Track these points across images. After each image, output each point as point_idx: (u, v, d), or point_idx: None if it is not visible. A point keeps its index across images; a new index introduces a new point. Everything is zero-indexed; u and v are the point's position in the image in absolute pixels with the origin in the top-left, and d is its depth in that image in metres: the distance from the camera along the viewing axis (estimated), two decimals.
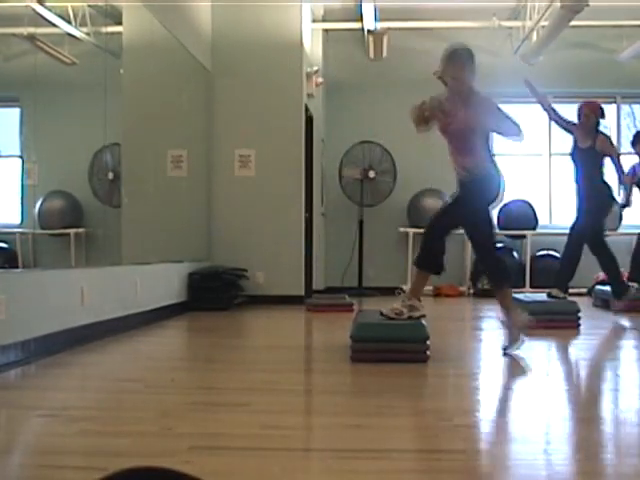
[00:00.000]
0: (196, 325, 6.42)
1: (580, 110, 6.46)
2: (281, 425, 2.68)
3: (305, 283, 8.23)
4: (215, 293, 7.23)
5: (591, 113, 6.37)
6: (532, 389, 3.52)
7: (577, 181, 6.54)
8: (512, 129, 4.25)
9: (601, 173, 6.43)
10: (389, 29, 9.35)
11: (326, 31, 9.84)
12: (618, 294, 6.65)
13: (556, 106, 10.43)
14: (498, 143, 10.46)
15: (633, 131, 10.57)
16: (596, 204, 6.39)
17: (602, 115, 6.45)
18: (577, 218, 6.53)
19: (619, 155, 6.59)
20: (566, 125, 6.59)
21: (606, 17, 9.10)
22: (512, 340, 4.31)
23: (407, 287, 4.38)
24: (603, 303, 7.56)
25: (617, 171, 6.46)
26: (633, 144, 7.51)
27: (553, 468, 2.23)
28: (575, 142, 6.51)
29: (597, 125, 6.41)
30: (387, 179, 9.93)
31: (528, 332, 4.34)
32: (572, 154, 6.54)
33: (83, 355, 4.36)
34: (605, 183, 6.46)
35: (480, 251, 4.51)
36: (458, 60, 4.29)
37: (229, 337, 5.73)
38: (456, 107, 4.23)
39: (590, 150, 6.37)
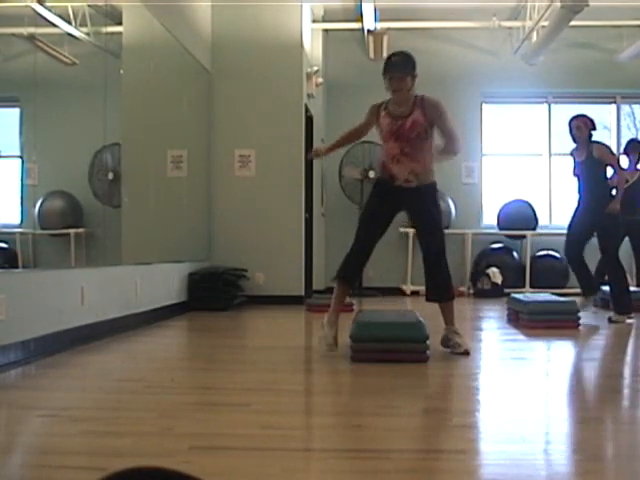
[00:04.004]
0: (196, 325, 6.42)
1: (571, 124, 6.41)
2: (281, 425, 2.68)
3: (305, 283, 8.23)
4: (215, 293, 7.23)
5: (583, 125, 6.32)
6: (532, 389, 3.51)
7: (579, 193, 6.47)
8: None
9: (604, 185, 6.30)
10: (389, 29, 9.35)
11: (326, 31, 9.84)
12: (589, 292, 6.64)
13: (556, 106, 10.50)
14: (495, 143, 10.52)
15: (634, 131, 10.61)
16: (600, 217, 6.31)
17: (594, 127, 6.39)
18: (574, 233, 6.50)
19: (619, 161, 6.50)
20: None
21: (606, 17, 9.11)
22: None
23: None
24: (603, 303, 7.55)
25: (617, 179, 6.38)
26: (626, 151, 7.47)
27: (553, 468, 2.23)
28: (574, 158, 6.48)
29: (590, 137, 6.36)
30: None
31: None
32: (573, 170, 6.49)
33: (83, 355, 4.36)
34: (610, 195, 6.35)
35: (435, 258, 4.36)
36: None
37: (229, 337, 5.73)
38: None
39: (587, 161, 6.30)
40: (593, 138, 6.37)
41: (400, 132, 4.23)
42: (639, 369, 4.30)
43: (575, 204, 6.55)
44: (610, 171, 6.39)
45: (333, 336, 4.33)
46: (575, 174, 6.46)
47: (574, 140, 6.37)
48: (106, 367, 4.10)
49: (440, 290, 4.37)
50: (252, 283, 7.97)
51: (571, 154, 6.55)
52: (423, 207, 4.34)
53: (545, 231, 10.07)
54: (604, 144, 6.48)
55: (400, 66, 4.24)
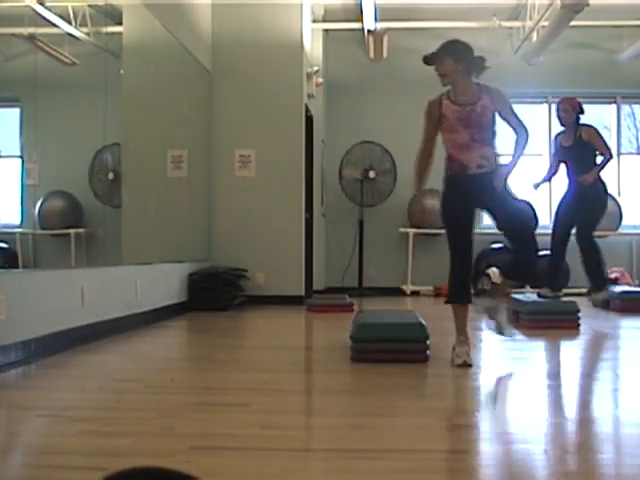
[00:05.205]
0: (196, 325, 6.42)
1: (558, 106, 6.27)
2: (281, 425, 2.68)
3: (305, 283, 8.23)
4: (215, 293, 7.23)
5: (571, 108, 6.17)
6: (532, 389, 3.51)
7: (569, 179, 6.36)
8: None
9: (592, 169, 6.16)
10: (389, 29, 9.35)
11: (326, 31, 9.84)
12: (596, 288, 6.56)
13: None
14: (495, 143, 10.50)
15: (634, 131, 10.61)
16: (591, 204, 6.22)
17: (581, 110, 6.24)
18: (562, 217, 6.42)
19: (607, 146, 6.28)
20: (556, 157, 6.45)
21: (606, 17, 9.10)
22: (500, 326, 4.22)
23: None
24: (603, 303, 7.55)
25: (603, 162, 6.16)
26: None
27: (553, 468, 2.23)
28: (560, 145, 6.34)
29: (577, 120, 6.22)
30: (387, 179, 9.93)
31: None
32: (561, 158, 6.35)
33: (83, 355, 4.36)
34: (600, 180, 6.26)
35: (521, 239, 4.15)
36: None
37: (229, 337, 5.73)
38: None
39: (575, 146, 6.17)
40: (581, 122, 6.23)
41: (471, 117, 4.03)
42: (638, 368, 4.30)
43: (565, 189, 6.45)
44: (599, 158, 6.20)
45: (466, 351, 3.98)
46: (562, 160, 6.32)
47: (561, 123, 6.25)
48: (106, 367, 4.10)
49: (526, 272, 4.24)
50: (252, 283, 7.97)
51: (555, 138, 6.43)
52: (499, 192, 4.07)
53: (545, 231, 10.04)
54: (593, 127, 6.31)
55: (435, 51, 4.12)
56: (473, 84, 4.09)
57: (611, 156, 6.21)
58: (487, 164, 4.07)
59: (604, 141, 6.20)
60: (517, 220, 4.08)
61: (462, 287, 4.09)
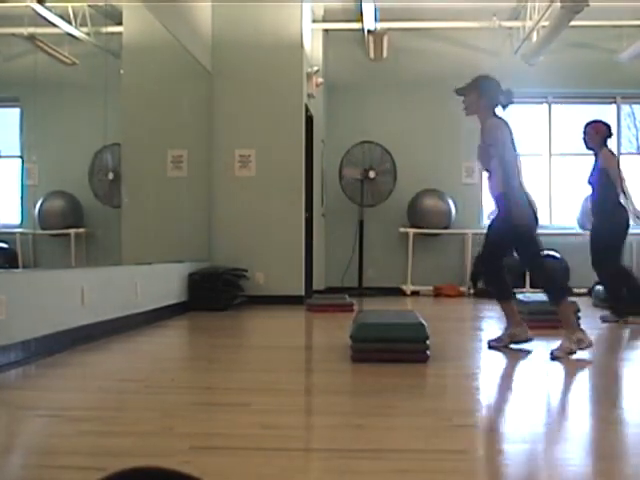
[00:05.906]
0: (196, 325, 6.42)
1: (584, 129, 6.24)
2: (281, 425, 2.68)
3: (305, 283, 8.23)
4: (215, 293, 7.23)
5: (594, 132, 6.10)
6: (532, 389, 3.51)
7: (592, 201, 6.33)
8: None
9: (609, 190, 6.09)
10: (389, 29, 9.36)
11: (326, 31, 9.85)
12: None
13: (556, 106, 10.51)
14: None
15: (634, 131, 10.61)
16: (609, 229, 6.14)
17: (609, 134, 6.20)
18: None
19: (619, 168, 6.16)
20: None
21: (606, 17, 9.11)
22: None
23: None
24: (603, 303, 7.55)
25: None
26: None
27: (553, 468, 2.23)
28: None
29: (604, 143, 6.19)
30: (387, 179, 9.93)
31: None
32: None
33: (83, 355, 4.36)
34: (619, 203, 6.12)
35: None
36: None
37: (229, 337, 5.73)
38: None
39: (594, 170, 6.17)
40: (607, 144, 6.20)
41: (479, 152, 4.55)
42: (637, 368, 4.30)
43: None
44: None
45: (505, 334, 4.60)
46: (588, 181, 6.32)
47: (586, 146, 6.23)
48: (106, 367, 4.10)
49: (546, 295, 4.57)
50: (252, 283, 7.97)
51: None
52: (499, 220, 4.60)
53: (545, 231, 10.06)
54: (609, 151, 6.30)
55: (465, 85, 4.48)
56: (489, 119, 4.34)
57: (621, 181, 6.16)
58: (492, 194, 4.55)
59: (611, 163, 6.14)
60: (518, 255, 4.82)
61: (485, 281, 4.75)
